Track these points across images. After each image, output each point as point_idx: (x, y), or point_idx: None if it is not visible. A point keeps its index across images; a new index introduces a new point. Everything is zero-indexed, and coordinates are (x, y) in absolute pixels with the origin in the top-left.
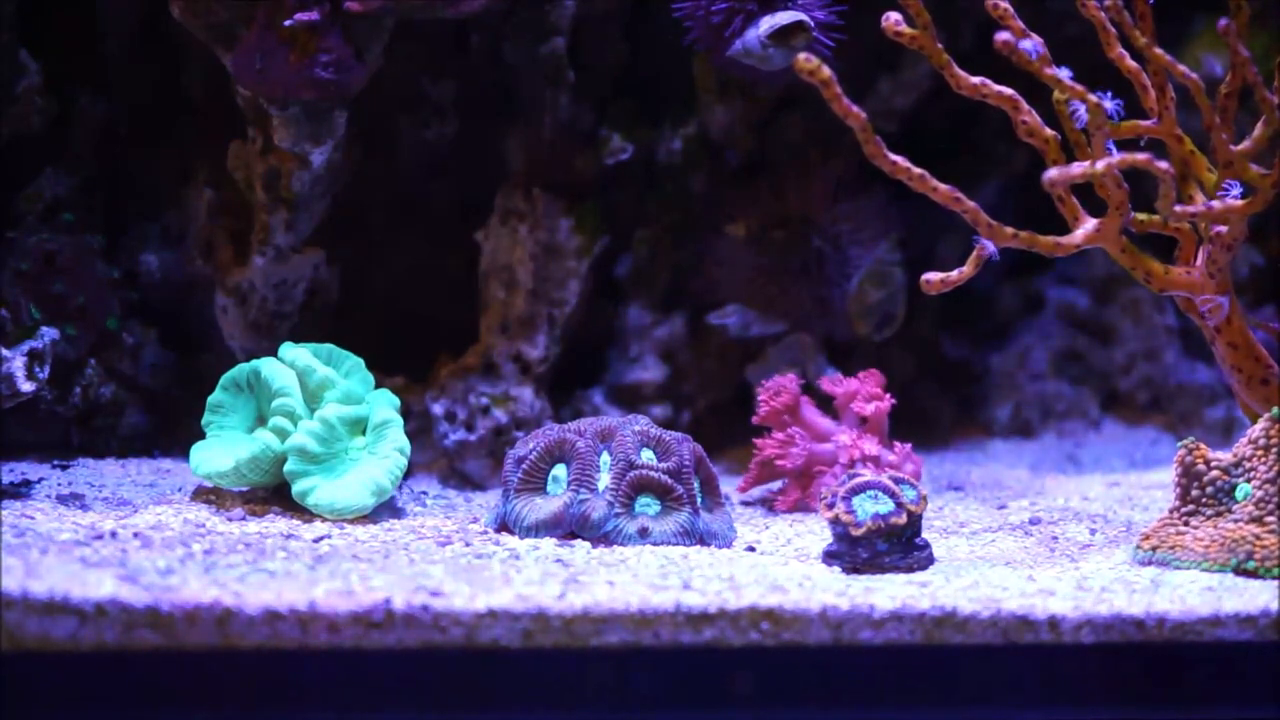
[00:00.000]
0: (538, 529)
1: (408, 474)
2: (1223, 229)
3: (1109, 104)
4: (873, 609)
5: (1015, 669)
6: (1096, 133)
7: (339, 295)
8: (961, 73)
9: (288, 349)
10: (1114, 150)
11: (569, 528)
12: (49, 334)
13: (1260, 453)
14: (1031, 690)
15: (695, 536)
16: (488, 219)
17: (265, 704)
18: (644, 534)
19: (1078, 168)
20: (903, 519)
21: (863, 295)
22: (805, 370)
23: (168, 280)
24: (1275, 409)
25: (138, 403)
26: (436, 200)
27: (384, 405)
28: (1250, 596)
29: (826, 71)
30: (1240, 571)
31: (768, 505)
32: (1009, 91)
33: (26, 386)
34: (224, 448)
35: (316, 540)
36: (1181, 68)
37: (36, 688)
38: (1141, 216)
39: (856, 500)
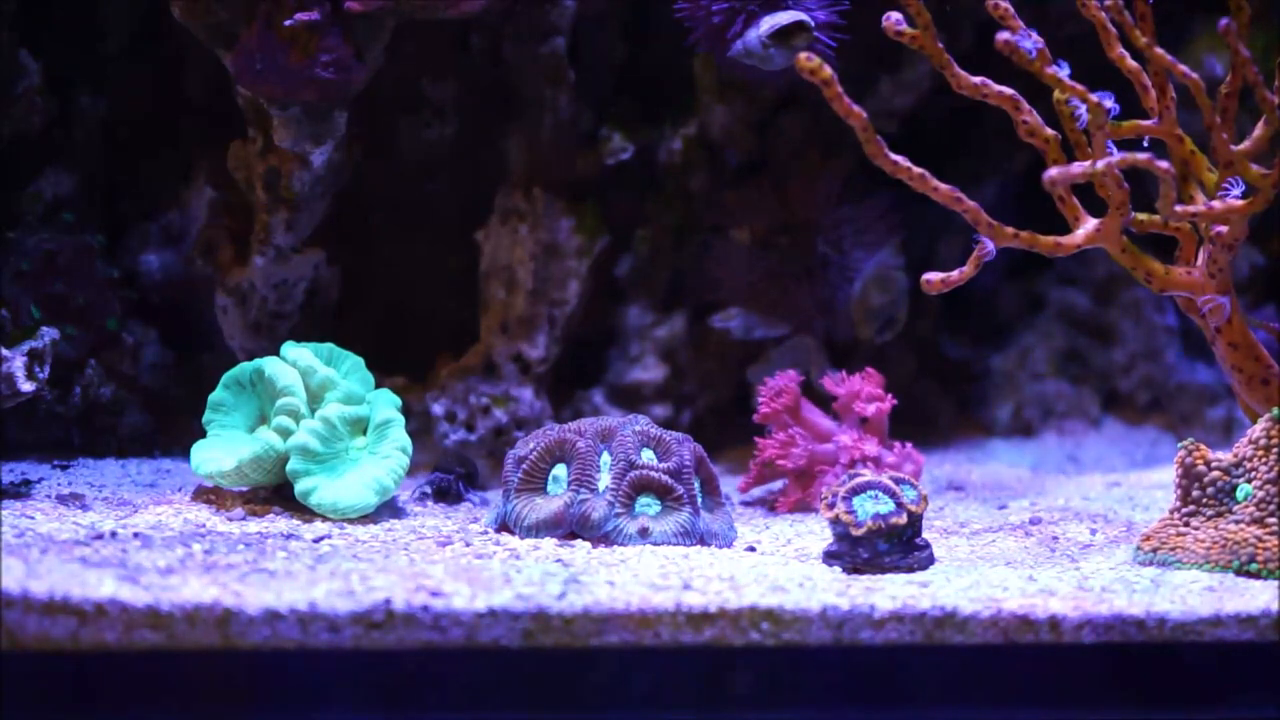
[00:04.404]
0: (538, 529)
1: (471, 482)
2: (1223, 229)
3: (1109, 103)
4: (873, 609)
5: (1015, 669)
6: (1097, 132)
7: (339, 295)
8: (962, 72)
9: (290, 348)
10: (1114, 150)
11: (569, 528)
12: (49, 334)
13: (1261, 453)
14: (1032, 690)
15: (695, 536)
16: (488, 219)
17: (265, 704)
18: (644, 534)
19: (1078, 167)
20: (903, 519)
21: (866, 299)
22: (808, 372)
23: (168, 280)
24: (1276, 409)
25: (138, 403)
26: (436, 200)
27: (385, 405)
28: (1251, 597)
29: (828, 71)
30: (1242, 573)
31: (768, 505)
32: (1009, 91)
33: (26, 386)
34: (226, 447)
35: (317, 540)
36: (1182, 67)
37: (36, 688)
38: (1142, 216)
39: (857, 500)
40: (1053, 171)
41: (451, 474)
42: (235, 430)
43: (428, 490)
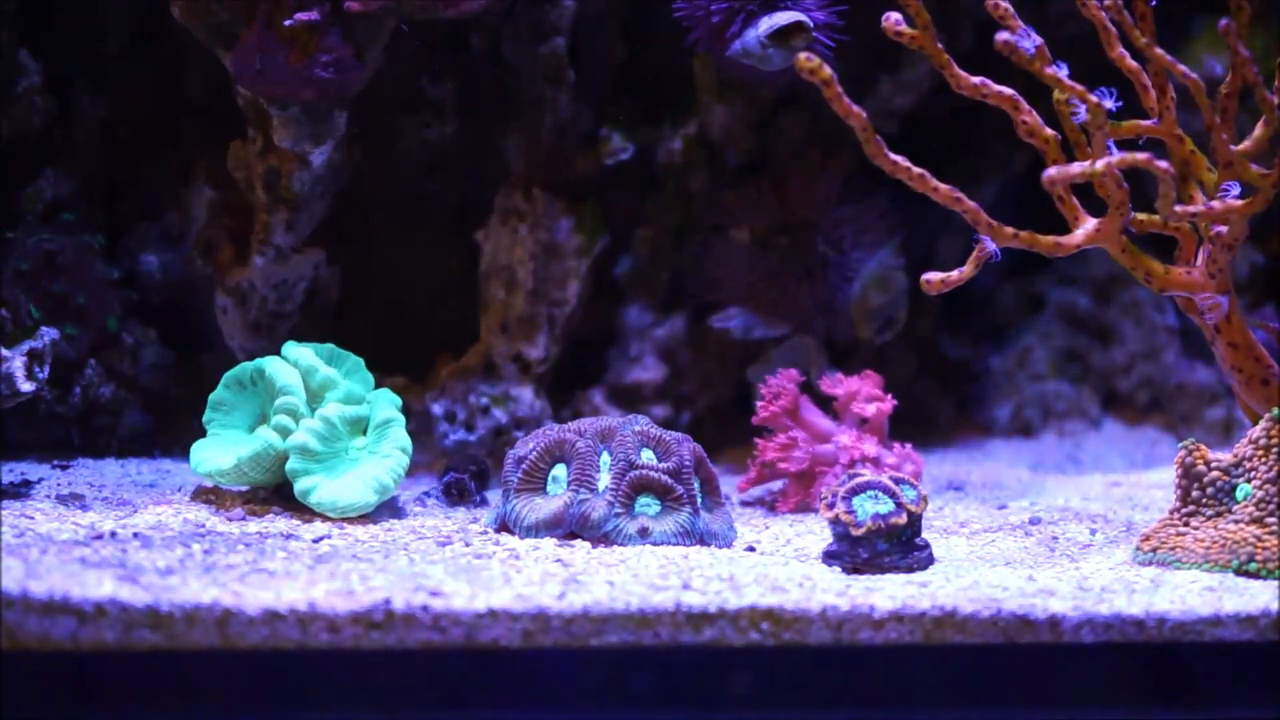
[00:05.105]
0: (538, 529)
1: (481, 481)
2: (1223, 229)
3: (1109, 102)
4: (873, 609)
5: (1015, 669)
6: (1097, 132)
7: (339, 295)
8: (962, 73)
9: (291, 348)
10: (1114, 150)
11: (569, 528)
12: (49, 334)
13: (1260, 453)
14: (1032, 690)
15: (695, 536)
16: (488, 219)
17: (265, 704)
18: (644, 534)
19: (1077, 167)
20: (903, 519)
21: (866, 299)
22: (808, 372)
23: (168, 280)
24: (1275, 409)
25: (138, 403)
26: (436, 200)
27: (386, 405)
28: (1250, 596)
29: (827, 71)
30: (1242, 573)
31: (768, 505)
32: (1009, 91)
33: (26, 386)
34: (225, 446)
35: (316, 540)
36: (1182, 67)
37: (37, 687)
38: (1141, 216)
39: (857, 500)
40: (1051, 171)
41: (465, 473)
42: (235, 430)
43: (429, 491)
